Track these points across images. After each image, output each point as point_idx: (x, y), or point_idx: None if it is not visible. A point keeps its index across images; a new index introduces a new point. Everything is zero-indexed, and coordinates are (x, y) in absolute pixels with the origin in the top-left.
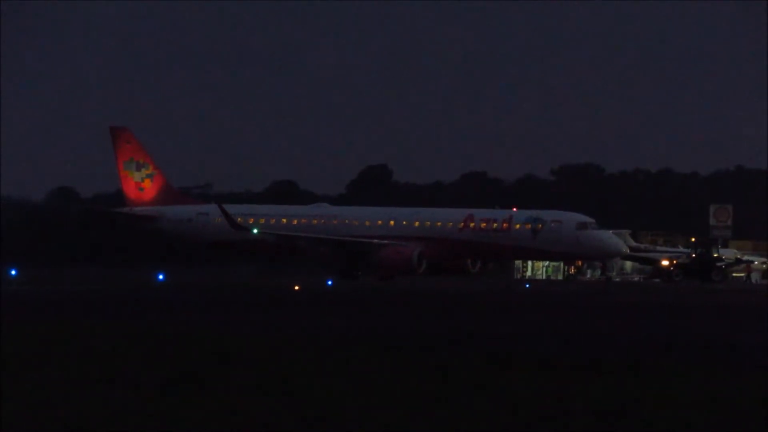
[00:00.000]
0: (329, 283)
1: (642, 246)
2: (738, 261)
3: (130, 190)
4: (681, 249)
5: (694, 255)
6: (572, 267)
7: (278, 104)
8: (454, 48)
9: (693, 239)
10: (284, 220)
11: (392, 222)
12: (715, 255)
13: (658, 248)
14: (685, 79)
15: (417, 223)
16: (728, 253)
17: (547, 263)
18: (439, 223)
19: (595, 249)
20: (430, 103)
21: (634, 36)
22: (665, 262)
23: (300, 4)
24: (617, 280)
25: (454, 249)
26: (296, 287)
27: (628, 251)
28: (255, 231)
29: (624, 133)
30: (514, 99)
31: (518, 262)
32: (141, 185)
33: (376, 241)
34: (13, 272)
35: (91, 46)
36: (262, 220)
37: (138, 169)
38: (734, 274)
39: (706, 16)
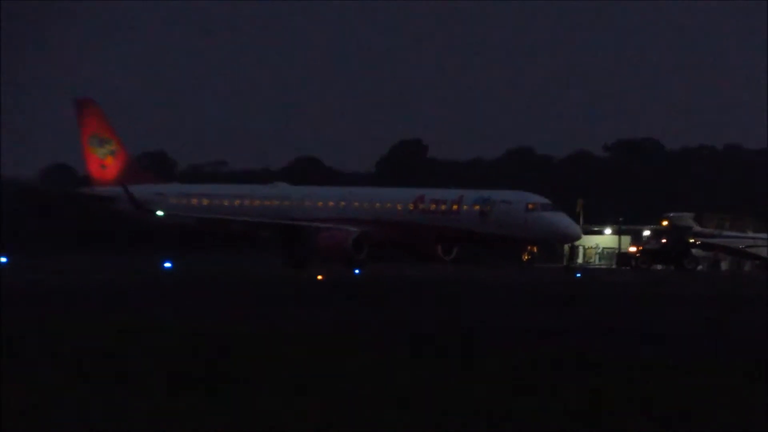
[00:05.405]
0: (357, 272)
1: (707, 231)
2: None
3: (93, 168)
4: (750, 234)
5: (665, 240)
6: (525, 254)
7: (303, 73)
8: (498, 13)
9: (665, 222)
10: (237, 202)
11: (343, 203)
12: (691, 240)
13: (725, 233)
14: (753, 47)
15: (366, 205)
16: None
17: (600, 249)
18: (388, 205)
19: (544, 232)
20: (470, 71)
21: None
22: (632, 249)
23: None
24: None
25: (401, 233)
26: (319, 277)
27: (582, 235)
28: (160, 213)
29: (686, 105)
30: (565, 68)
31: (566, 248)
32: (103, 162)
33: (315, 224)
34: (3, 260)
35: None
36: (206, 201)
37: (101, 144)
38: None
39: None
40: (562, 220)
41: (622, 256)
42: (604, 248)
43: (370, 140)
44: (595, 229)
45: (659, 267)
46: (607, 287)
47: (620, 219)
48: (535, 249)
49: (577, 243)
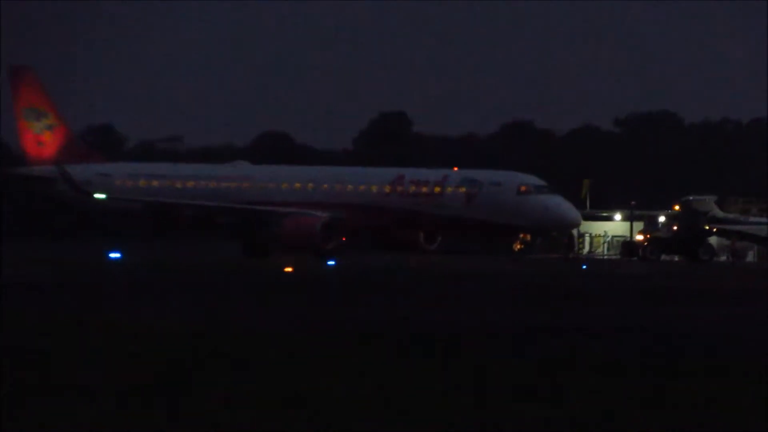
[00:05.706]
0: (331, 263)
1: (731, 216)
2: None
3: (29, 145)
4: None
5: (676, 227)
6: (518, 242)
7: (271, 38)
8: None
9: (676, 207)
10: (191, 183)
11: (311, 185)
12: (706, 227)
13: (752, 218)
14: None
15: (337, 187)
16: None
17: (609, 237)
18: (362, 187)
19: (538, 218)
20: (462, 34)
21: None
22: (639, 237)
23: None
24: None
25: (376, 218)
26: (288, 269)
27: (581, 222)
28: (101, 196)
29: (708, 75)
30: (569, 32)
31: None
32: (40, 138)
33: (279, 209)
34: None
35: None
36: (155, 183)
37: (38, 118)
38: None
39: None
40: (558, 204)
41: (627, 245)
42: (613, 236)
43: (348, 113)
44: (604, 214)
45: (676, 258)
46: (585, 281)
47: (632, 203)
48: (528, 237)
49: (582, 230)
